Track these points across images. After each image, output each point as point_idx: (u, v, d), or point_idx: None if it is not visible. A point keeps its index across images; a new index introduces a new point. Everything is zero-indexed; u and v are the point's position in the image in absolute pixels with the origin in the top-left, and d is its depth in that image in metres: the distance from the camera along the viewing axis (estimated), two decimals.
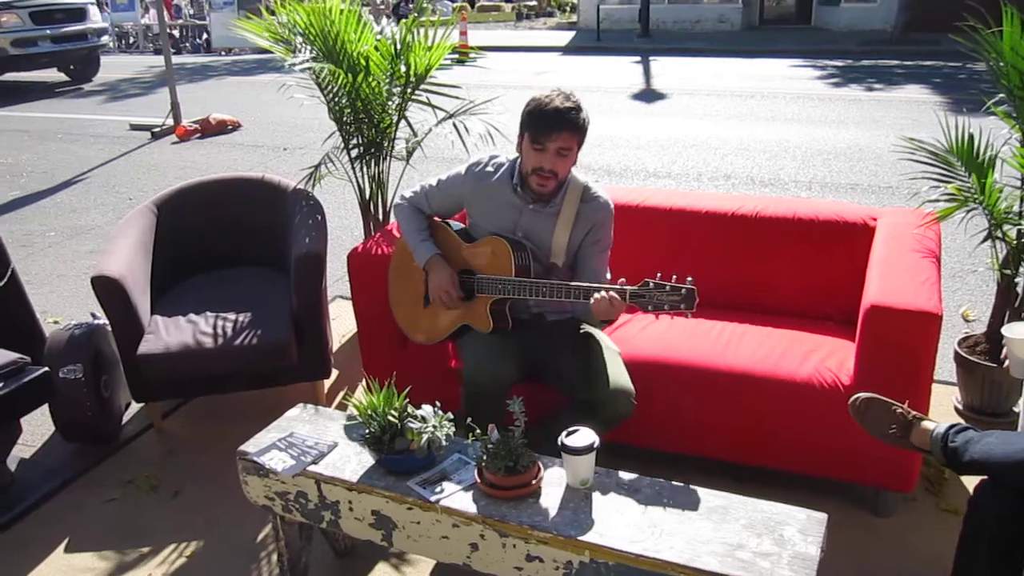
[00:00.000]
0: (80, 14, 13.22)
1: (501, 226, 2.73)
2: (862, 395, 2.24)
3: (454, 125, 3.95)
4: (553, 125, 2.53)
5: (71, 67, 14.36)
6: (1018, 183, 3.06)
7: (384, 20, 4.03)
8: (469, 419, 2.29)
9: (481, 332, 2.69)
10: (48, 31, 12.78)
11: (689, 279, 2.29)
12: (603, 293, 2.37)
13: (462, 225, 2.92)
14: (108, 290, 3.13)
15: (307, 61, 3.69)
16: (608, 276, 2.76)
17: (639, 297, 2.32)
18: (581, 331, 2.75)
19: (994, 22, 2.95)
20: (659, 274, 2.32)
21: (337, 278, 4.64)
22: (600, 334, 2.78)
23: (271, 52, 3.86)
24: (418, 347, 3.00)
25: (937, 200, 3.09)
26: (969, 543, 2.01)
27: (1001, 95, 3.03)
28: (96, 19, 13.67)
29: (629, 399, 2.55)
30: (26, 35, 12.59)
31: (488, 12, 24.70)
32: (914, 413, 2.18)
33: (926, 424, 2.14)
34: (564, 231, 2.68)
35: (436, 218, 2.94)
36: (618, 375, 2.58)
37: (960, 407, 3.29)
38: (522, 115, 2.61)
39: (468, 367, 2.62)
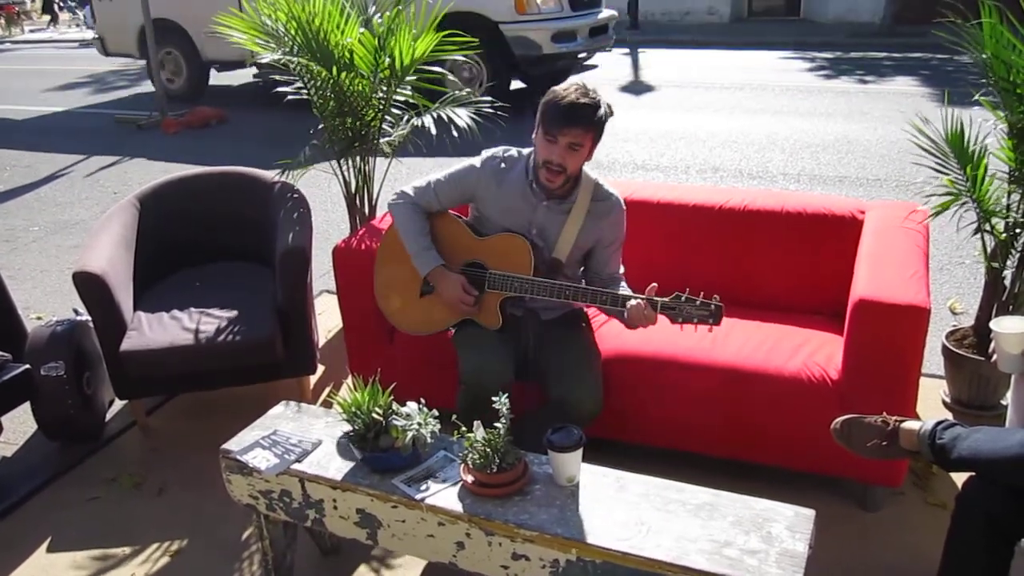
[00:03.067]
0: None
1: (515, 222, 2.70)
2: (840, 418, 2.23)
3: (437, 115, 3.90)
4: (565, 119, 2.50)
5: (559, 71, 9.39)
6: (1004, 175, 3.05)
7: (371, 9, 3.97)
8: (472, 421, 2.24)
9: (484, 328, 2.67)
10: (586, 20, 9.06)
11: (716, 296, 2.37)
12: (637, 302, 2.43)
13: (464, 219, 2.88)
14: (90, 286, 3.09)
15: (284, 56, 3.64)
16: (622, 269, 2.79)
17: (670, 309, 2.40)
18: (568, 329, 2.75)
19: (972, 15, 2.94)
20: (688, 288, 2.40)
21: (323, 272, 4.61)
22: (588, 335, 2.77)
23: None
24: (404, 343, 2.98)
25: (932, 195, 3.08)
26: (958, 539, 2.01)
27: (988, 87, 3.03)
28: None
29: (594, 399, 2.55)
30: (567, 26, 8.82)
31: None
32: (894, 418, 2.17)
33: (911, 425, 2.13)
34: (573, 228, 2.67)
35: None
36: (587, 376, 2.58)
37: (948, 400, 3.29)
38: (539, 106, 2.58)
39: (469, 368, 2.58)
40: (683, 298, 2.38)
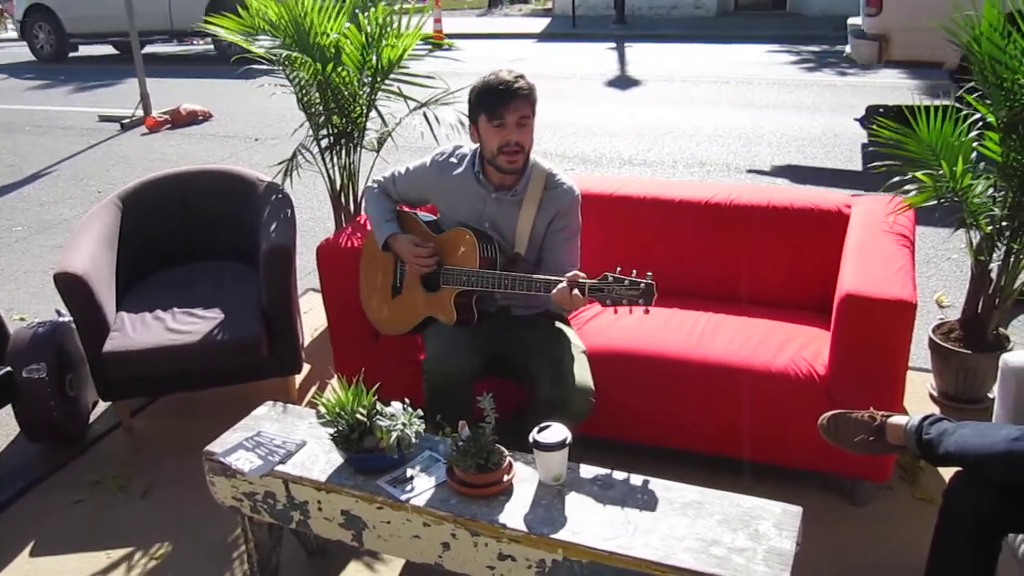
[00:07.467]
0: None
1: (467, 216, 2.71)
2: (827, 414, 2.23)
3: (424, 115, 3.90)
4: (508, 96, 2.53)
5: None
6: (991, 169, 3.04)
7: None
8: (437, 416, 2.25)
9: (445, 324, 2.66)
10: None
11: (649, 273, 2.27)
12: (563, 285, 2.36)
13: (434, 217, 2.89)
14: (71, 287, 3.06)
15: (275, 48, 3.61)
16: (579, 262, 2.73)
17: (597, 291, 2.30)
18: (548, 328, 2.72)
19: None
20: (619, 268, 2.29)
21: (308, 271, 4.58)
22: (569, 331, 2.75)
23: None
24: (389, 342, 2.97)
25: (909, 191, 3.06)
26: (945, 534, 2.00)
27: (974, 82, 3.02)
28: None
29: (587, 397, 2.52)
30: None
31: None
32: (881, 413, 2.16)
33: (898, 420, 2.12)
34: (528, 219, 2.66)
35: (407, 208, 2.91)
36: (579, 373, 2.55)
37: (935, 394, 3.29)
38: (471, 100, 2.61)
39: (430, 358, 2.59)
40: (611, 278, 2.28)
